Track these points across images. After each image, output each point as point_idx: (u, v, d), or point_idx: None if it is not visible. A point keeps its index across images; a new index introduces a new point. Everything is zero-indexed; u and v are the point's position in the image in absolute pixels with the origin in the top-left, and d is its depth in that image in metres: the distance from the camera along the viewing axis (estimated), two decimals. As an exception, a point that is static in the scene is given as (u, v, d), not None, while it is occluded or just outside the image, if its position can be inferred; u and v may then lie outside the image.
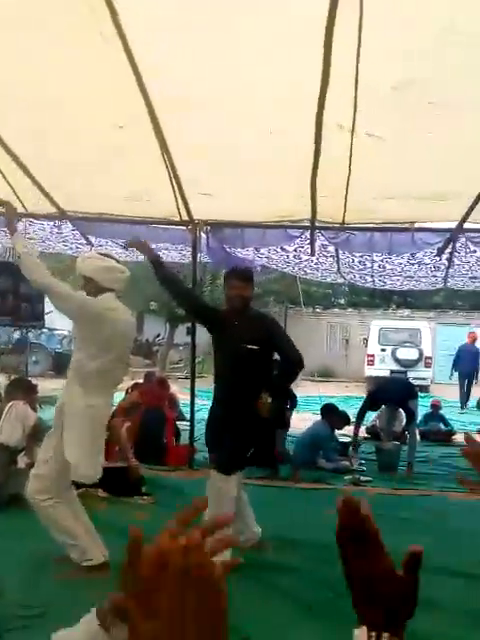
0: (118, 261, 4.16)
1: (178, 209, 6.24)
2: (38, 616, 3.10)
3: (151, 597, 0.63)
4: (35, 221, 6.98)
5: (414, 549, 0.78)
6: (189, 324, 12.86)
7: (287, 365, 4.23)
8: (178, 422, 8.11)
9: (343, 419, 7.77)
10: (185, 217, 6.43)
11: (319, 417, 7.84)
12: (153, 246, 7.29)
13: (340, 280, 8.17)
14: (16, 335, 16.76)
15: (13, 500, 4.43)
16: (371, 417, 11.25)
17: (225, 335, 4.25)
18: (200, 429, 8.72)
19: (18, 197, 6.14)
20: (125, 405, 6.93)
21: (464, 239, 6.46)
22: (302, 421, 9.16)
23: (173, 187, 5.73)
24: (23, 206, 6.41)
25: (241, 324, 4.15)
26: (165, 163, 5.34)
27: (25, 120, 4.90)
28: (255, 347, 4.04)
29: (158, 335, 24.77)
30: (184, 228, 6.69)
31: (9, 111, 4.78)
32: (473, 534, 4.83)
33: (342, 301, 28.11)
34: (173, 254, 7.69)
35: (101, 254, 4.19)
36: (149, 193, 6.03)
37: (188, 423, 7.46)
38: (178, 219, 6.47)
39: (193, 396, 7.11)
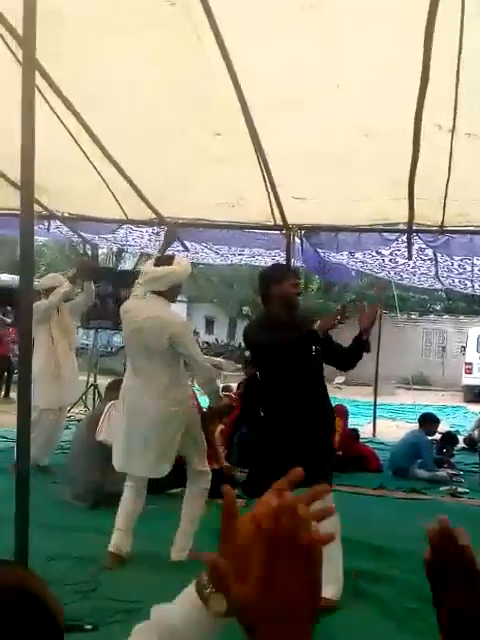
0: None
1: (272, 213, 6.27)
2: (134, 610, 3.16)
3: (244, 561, 0.62)
4: (134, 228, 7.23)
5: None
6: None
7: None
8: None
9: (436, 424, 7.66)
10: (279, 222, 6.46)
11: (415, 425, 7.67)
12: (246, 251, 7.42)
13: (438, 285, 7.93)
14: (116, 339, 17.36)
15: (110, 498, 4.55)
16: (469, 427, 10.89)
17: None
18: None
19: (119, 204, 6.39)
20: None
21: None
22: (399, 429, 8.98)
23: (268, 191, 5.77)
24: (124, 213, 6.66)
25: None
26: (260, 167, 5.39)
27: (123, 127, 5.08)
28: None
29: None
30: (278, 233, 6.72)
31: (110, 119, 4.98)
32: None
33: (438, 307, 27.31)
34: (267, 259, 7.74)
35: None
36: (244, 198, 6.10)
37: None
38: (272, 223, 6.51)
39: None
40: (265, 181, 5.60)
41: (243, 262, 8.13)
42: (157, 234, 7.08)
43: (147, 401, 3.82)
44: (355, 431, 8.00)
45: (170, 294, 3.98)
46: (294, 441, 3.48)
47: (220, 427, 6.86)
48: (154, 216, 6.76)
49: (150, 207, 6.53)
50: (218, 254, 7.48)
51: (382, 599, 3.54)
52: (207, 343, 25.10)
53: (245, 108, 4.59)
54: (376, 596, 3.60)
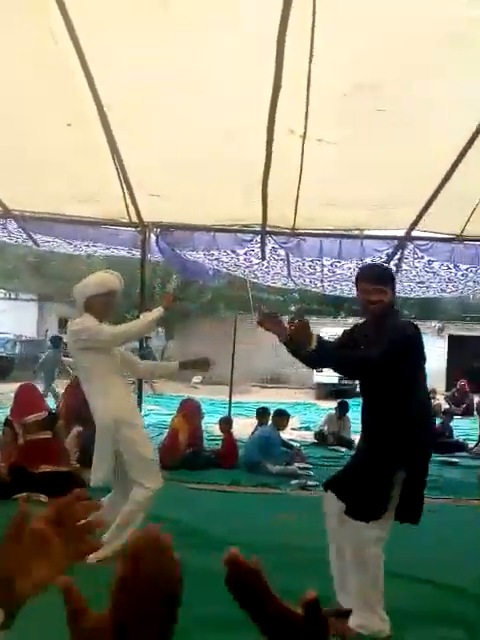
0: None
1: (127, 210, 6.18)
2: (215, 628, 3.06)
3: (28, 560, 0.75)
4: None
5: (308, 597, 0.74)
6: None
7: None
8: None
9: (286, 419, 8.01)
10: (134, 219, 6.38)
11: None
12: (102, 246, 7.25)
13: (290, 285, 8.23)
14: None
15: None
16: (320, 422, 11.41)
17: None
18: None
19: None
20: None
21: (412, 246, 6.60)
22: (250, 427, 9.19)
23: (122, 187, 5.67)
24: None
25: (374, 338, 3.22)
26: (114, 163, 5.28)
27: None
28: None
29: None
30: (133, 230, 6.63)
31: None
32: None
33: (293, 308, 28.33)
34: (123, 252, 7.61)
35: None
36: (98, 193, 5.96)
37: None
38: (127, 220, 6.41)
39: (140, 401, 7.04)
40: (119, 177, 5.50)
41: (98, 253, 7.96)
42: (3, 226, 6.74)
43: None
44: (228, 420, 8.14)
45: (90, 309, 3.95)
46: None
47: (77, 428, 6.70)
48: (1, 209, 6.42)
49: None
50: (71, 245, 7.23)
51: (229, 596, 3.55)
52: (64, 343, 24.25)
53: (99, 102, 4.48)
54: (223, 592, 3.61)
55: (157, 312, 4.12)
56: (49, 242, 7.24)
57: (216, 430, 8.50)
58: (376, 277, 3.24)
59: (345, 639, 2.94)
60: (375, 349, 3.09)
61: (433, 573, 3.87)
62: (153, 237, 6.68)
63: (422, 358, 3.23)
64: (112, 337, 3.91)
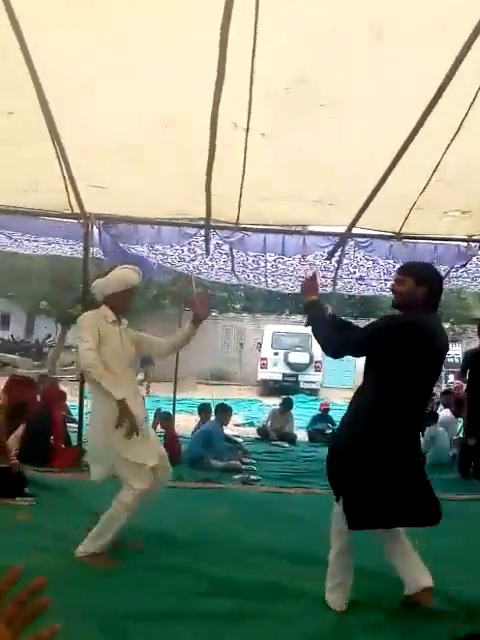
0: None
1: (69, 202, 6.07)
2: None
3: None
4: None
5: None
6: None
7: None
8: (68, 424, 7.91)
9: (229, 413, 8.06)
10: (77, 210, 6.27)
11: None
12: (42, 239, 7.09)
13: (234, 280, 8.24)
14: None
15: None
16: (263, 418, 11.50)
17: None
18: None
19: None
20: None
21: (352, 242, 6.72)
22: (194, 423, 9.18)
23: (64, 178, 5.56)
24: None
25: None
26: (56, 153, 5.18)
27: None
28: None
29: (49, 336, 24.00)
30: (75, 221, 6.52)
31: None
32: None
33: (238, 306, 28.44)
34: (65, 248, 7.48)
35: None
36: (39, 183, 5.82)
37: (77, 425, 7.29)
38: (69, 212, 6.29)
39: (82, 398, 6.94)
40: (61, 168, 5.40)
41: (39, 249, 7.77)
42: None
43: None
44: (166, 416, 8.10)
45: (109, 303, 4.01)
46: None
47: (22, 427, 6.66)
48: None
49: None
50: (11, 239, 7.06)
51: (175, 590, 3.53)
52: (1, 340, 23.71)
53: (39, 89, 4.38)
54: (169, 586, 3.59)
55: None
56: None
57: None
58: (402, 267, 3.36)
59: None
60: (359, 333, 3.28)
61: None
62: (96, 230, 6.58)
63: (412, 357, 3.03)
64: (82, 353, 3.84)
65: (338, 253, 6.88)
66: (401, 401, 3.08)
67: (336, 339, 3.33)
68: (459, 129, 4.43)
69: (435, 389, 16.33)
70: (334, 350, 3.35)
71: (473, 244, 6.79)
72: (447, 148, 4.71)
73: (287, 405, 10.54)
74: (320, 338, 3.39)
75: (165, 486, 4.23)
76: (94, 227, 6.51)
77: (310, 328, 3.43)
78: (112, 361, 3.87)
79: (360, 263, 6.99)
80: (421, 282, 3.16)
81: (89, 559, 3.75)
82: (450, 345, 21.99)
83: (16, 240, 7.16)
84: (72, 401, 8.79)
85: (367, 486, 3.06)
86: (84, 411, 6.85)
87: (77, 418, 7.27)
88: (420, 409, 3.27)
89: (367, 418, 3.12)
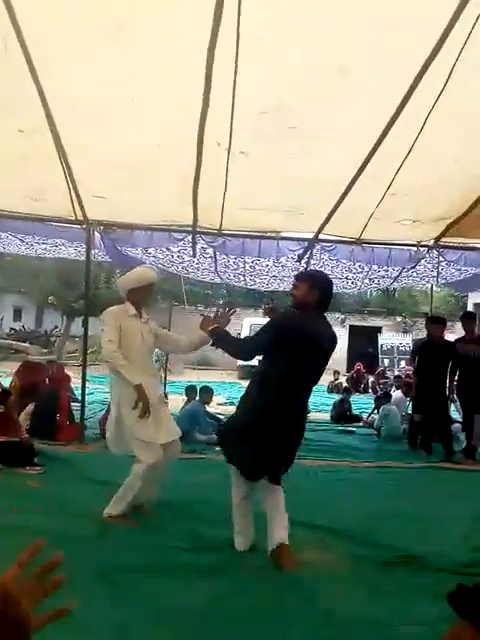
0: None
1: (73, 209, 6.02)
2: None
3: None
4: None
5: None
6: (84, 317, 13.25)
7: None
8: (72, 403, 7.85)
9: (210, 394, 7.99)
10: (80, 217, 6.21)
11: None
12: (50, 241, 7.02)
13: (217, 279, 8.23)
14: None
15: None
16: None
17: None
18: (91, 409, 8.53)
19: None
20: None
21: (319, 247, 6.74)
22: (182, 402, 9.16)
23: (69, 189, 5.52)
24: None
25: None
26: (62, 167, 5.13)
27: None
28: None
29: (56, 327, 23.80)
30: (79, 227, 6.46)
31: None
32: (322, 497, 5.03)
33: (220, 301, 28.41)
34: (70, 251, 7.41)
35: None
36: (47, 193, 5.77)
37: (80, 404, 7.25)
38: (74, 218, 6.23)
39: (84, 380, 6.92)
40: (67, 180, 5.34)
41: (48, 251, 7.69)
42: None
43: None
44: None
45: (130, 299, 3.96)
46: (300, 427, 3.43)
47: (31, 406, 6.61)
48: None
49: None
50: (23, 242, 6.97)
51: (160, 546, 3.52)
52: (14, 330, 23.49)
53: (47, 111, 4.33)
54: (155, 542, 3.57)
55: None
56: (1, 239, 6.97)
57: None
58: (298, 274, 3.56)
59: None
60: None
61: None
62: (97, 235, 6.53)
63: (289, 346, 3.16)
64: (103, 346, 3.81)
65: (307, 256, 6.90)
66: (279, 381, 3.20)
67: (242, 345, 3.56)
68: (410, 151, 4.49)
69: (388, 373, 16.53)
70: (246, 352, 3.45)
71: (422, 248, 6.86)
72: (400, 167, 4.76)
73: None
74: (232, 349, 3.52)
75: (175, 459, 4.18)
76: (95, 232, 6.47)
77: (220, 347, 3.52)
78: (132, 350, 3.83)
79: (325, 264, 7.01)
80: (313, 287, 3.30)
81: (113, 519, 3.76)
82: (403, 336, 22.04)
83: (28, 243, 7.08)
84: (76, 383, 8.74)
85: (251, 445, 3.21)
86: (86, 392, 6.82)
87: (80, 398, 7.21)
88: (298, 388, 3.31)
89: (254, 395, 3.31)
